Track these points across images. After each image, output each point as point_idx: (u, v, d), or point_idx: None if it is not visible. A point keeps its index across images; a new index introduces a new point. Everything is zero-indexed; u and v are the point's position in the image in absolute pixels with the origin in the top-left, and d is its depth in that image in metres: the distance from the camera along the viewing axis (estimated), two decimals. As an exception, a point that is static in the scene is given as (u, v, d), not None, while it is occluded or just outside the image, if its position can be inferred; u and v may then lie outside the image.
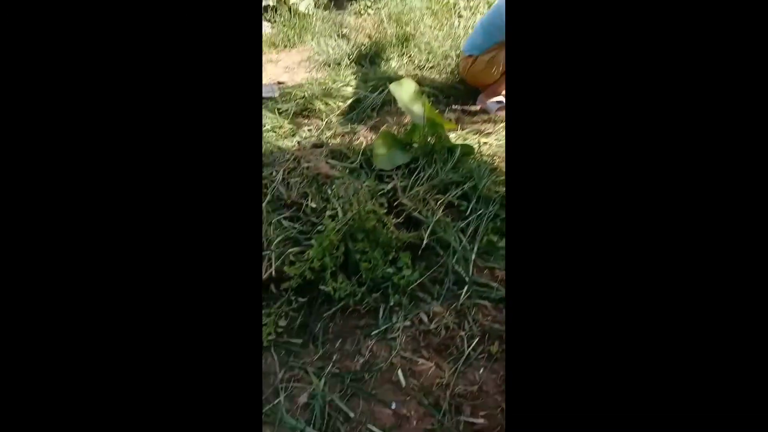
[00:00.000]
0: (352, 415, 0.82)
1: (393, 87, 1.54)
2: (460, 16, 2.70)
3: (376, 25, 2.74)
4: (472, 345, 0.94)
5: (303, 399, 0.85)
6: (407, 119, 1.77)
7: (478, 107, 1.92)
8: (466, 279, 1.08)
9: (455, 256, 1.13)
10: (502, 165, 1.47)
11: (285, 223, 1.18)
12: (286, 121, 1.85)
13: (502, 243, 1.18)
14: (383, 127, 1.76)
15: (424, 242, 1.16)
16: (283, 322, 1.01)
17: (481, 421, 0.81)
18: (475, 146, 1.52)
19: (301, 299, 1.05)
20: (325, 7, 3.27)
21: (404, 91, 1.55)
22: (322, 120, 1.89)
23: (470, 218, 1.24)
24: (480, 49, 1.85)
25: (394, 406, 0.84)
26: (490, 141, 1.63)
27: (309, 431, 0.79)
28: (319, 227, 1.15)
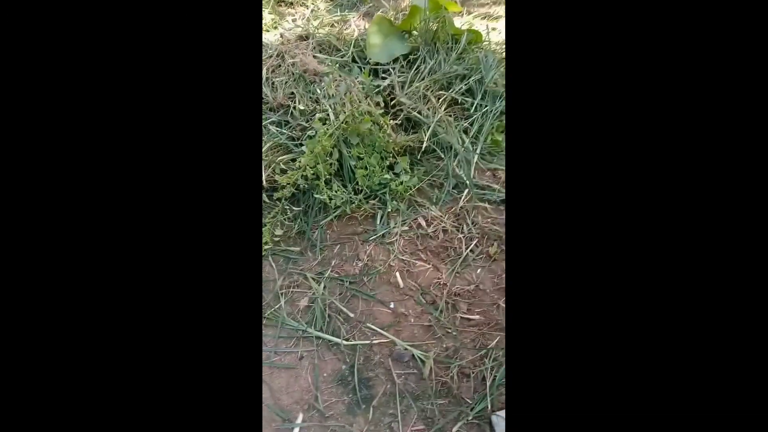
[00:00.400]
0: (351, 315, 0.86)
1: None
2: None
3: None
4: (470, 247, 0.94)
5: (304, 302, 0.88)
6: (405, 2, 1.53)
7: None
8: (467, 182, 1.03)
9: (456, 159, 1.07)
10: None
11: (272, 128, 1.10)
12: (266, 11, 1.61)
13: (508, 143, 1.10)
14: (378, 13, 1.53)
15: (424, 145, 1.09)
16: (279, 231, 1.00)
17: (477, 317, 0.84)
18: (483, 32, 1.32)
19: (295, 208, 1.03)
20: None
21: None
22: (307, 7, 1.65)
23: (474, 116, 1.14)
24: None
25: (392, 305, 0.87)
26: (500, 26, 1.42)
27: (311, 331, 0.83)
28: (309, 132, 1.06)
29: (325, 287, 0.91)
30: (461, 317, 0.84)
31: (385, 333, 0.83)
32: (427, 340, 0.82)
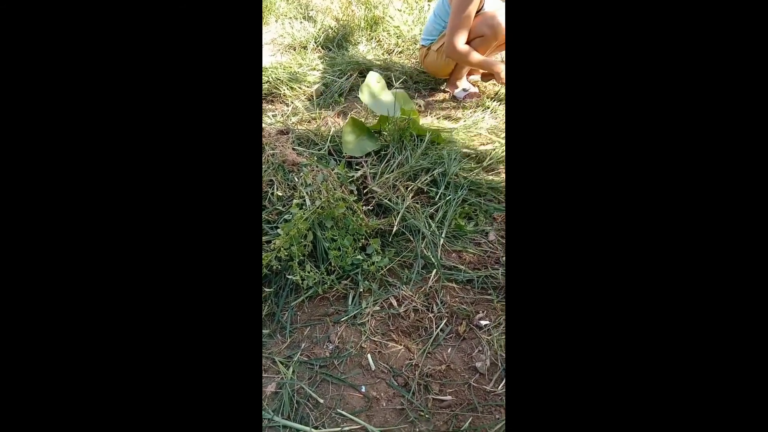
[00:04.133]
0: (321, 400, 0.83)
1: (362, 88, 1.56)
2: (429, 0, 2.68)
3: (343, 8, 2.67)
4: (440, 326, 0.96)
5: (271, 388, 0.85)
6: (376, 105, 1.75)
7: (447, 94, 1.93)
8: (435, 263, 1.10)
9: (424, 241, 1.15)
10: (470, 151, 1.49)
11: (251, 211, 1.15)
12: (251, 107, 1.78)
13: (470, 227, 1.21)
14: (351, 113, 1.73)
15: (395, 228, 1.17)
16: (250, 312, 0.99)
17: (449, 397, 0.83)
18: (444, 133, 1.52)
19: (267, 290, 1.04)
20: (291, -12, 3.15)
21: (372, 87, 1.56)
22: (287, 105, 1.84)
23: (439, 204, 1.26)
24: (431, 38, 1.82)
25: (363, 389, 0.85)
26: (458, 127, 1.64)
27: (277, 420, 0.79)
28: (286, 216, 1.12)
29: (294, 371, 0.88)
30: (433, 398, 0.83)
31: (355, 419, 0.80)
32: (400, 424, 0.79)
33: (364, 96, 1.54)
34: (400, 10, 2.59)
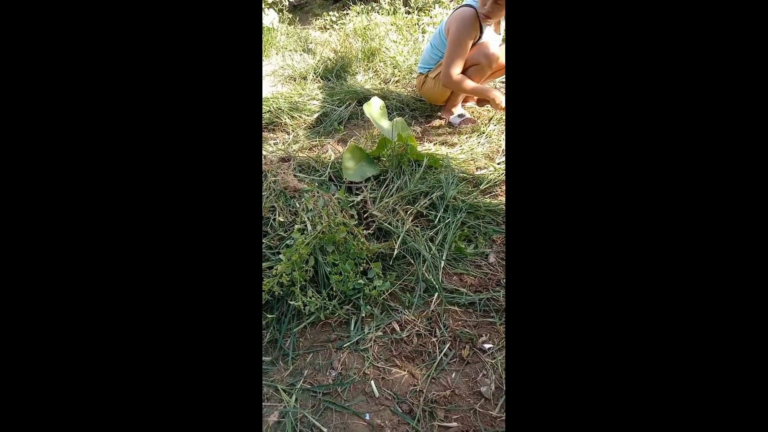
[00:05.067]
0: (325, 430, 0.81)
1: (364, 108, 1.62)
2: (423, 32, 2.80)
3: (341, 40, 2.78)
4: (444, 350, 0.96)
5: (273, 418, 0.83)
6: (375, 131, 1.80)
7: (443, 120, 1.98)
8: (437, 286, 1.10)
9: (425, 264, 1.16)
10: (467, 175, 1.52)
11: (253, 238, 1.16)
12: (252, 136, 1.83)
13: (470, 249, 1.22)
14: (351, 141, 1.78)
15: (396, 252, 1.18)
16: (252, 340, 0.98)
17: (454, 424, 0.82)
18: (442, 158, 1.56)
19: (269, 316, 1.03)
20: (290, 23, 3.29)
21: (373, 109, 1.61)
22: (288, 134, 1.89)
23: (438, 227, 1.27)
24: (428, 67, 1.90)
25: (368, 417, 0.84)
26: (455, 152, 1.68)
27: (281, 450, 0.77)
28: (287, 241, 1.13)
29: (296, 399, 0.87)
30: (438, 425, 0.81)
31: (360, 449, 0.78)
32: (406, 454, 0.77)
33: (368, 111, 1.60)
34: (395, 42, 2.70)
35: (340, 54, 2.58)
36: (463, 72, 1.78)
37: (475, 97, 2.05)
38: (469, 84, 1.75)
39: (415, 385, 0.89)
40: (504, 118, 1.92)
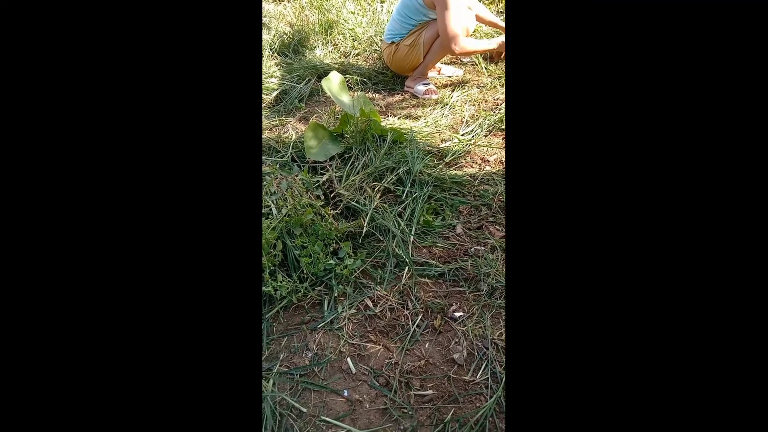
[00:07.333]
0: (304, 410, 0.82)
1: (323, 83, 1.56)
2: (382, 2, 2.70)
3: (297, 12, 2.65)
4: (416, 322, 0.98)
5: (252, 403, 0.83)
6: (337, 108, 1.75)
7: (407, 94, 1.95)
8: (407, 260, 1.11)
9: (395, 240, 1.16)
10: (432, 148, 1.51)
11: (216, 226, 1.12)
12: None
13: (438, 222, 1.23)
14: (312, 118, 1.72)
15: (365, 230, 1.17)
16: (223, 329, 0.96)
17: (430, 392, 0.85)
18: (406, 132, 1.54)
19: (241, 303, 1.02)
20: (241, -5, 3.08)
21: (333, 84, 1.56)
22: (248, 115, 1.80)
23: (406, 202, 1.27)
24: (400, 35, 1.87)
25: (346, 393, 0.85)
26: (420, 125, 1.67)
27: (260, 434, 0.77)
28: (253, 226, 1.10)
29: (274, 384, 0.87)
30: (415, 394, 0.84)
31: (340, 424, 0.80)
32: (384, 424, 0.80)
33: (327, 87, 1.54)
34: (353, 12, 2.59)
35: (296, 28, 2.46)
36: (430, 47, 1.83)
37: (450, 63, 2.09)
38: (479, 43, 1.87)
39: (390, 358, 0.91)
40: (463, 84, 1.92)
